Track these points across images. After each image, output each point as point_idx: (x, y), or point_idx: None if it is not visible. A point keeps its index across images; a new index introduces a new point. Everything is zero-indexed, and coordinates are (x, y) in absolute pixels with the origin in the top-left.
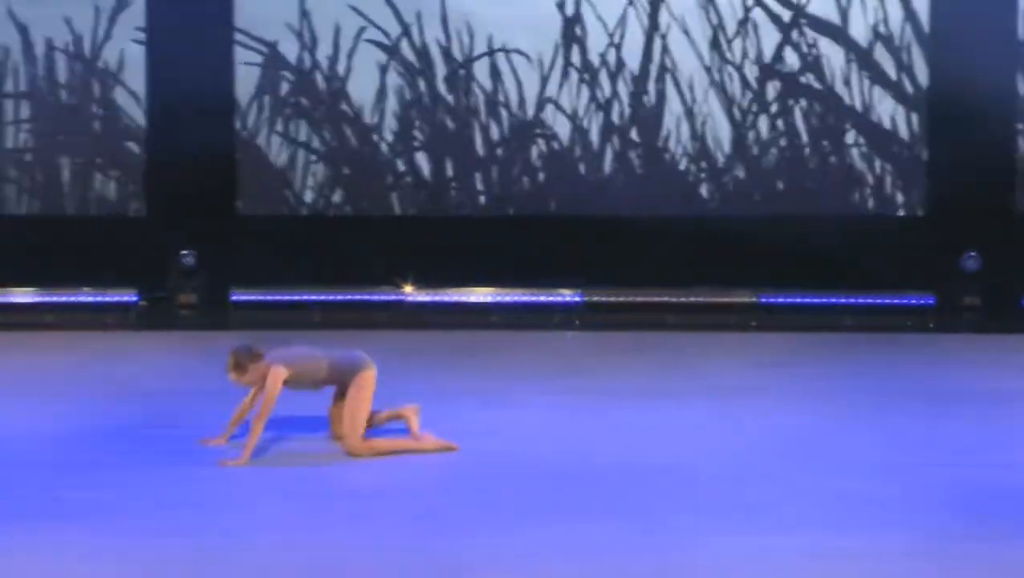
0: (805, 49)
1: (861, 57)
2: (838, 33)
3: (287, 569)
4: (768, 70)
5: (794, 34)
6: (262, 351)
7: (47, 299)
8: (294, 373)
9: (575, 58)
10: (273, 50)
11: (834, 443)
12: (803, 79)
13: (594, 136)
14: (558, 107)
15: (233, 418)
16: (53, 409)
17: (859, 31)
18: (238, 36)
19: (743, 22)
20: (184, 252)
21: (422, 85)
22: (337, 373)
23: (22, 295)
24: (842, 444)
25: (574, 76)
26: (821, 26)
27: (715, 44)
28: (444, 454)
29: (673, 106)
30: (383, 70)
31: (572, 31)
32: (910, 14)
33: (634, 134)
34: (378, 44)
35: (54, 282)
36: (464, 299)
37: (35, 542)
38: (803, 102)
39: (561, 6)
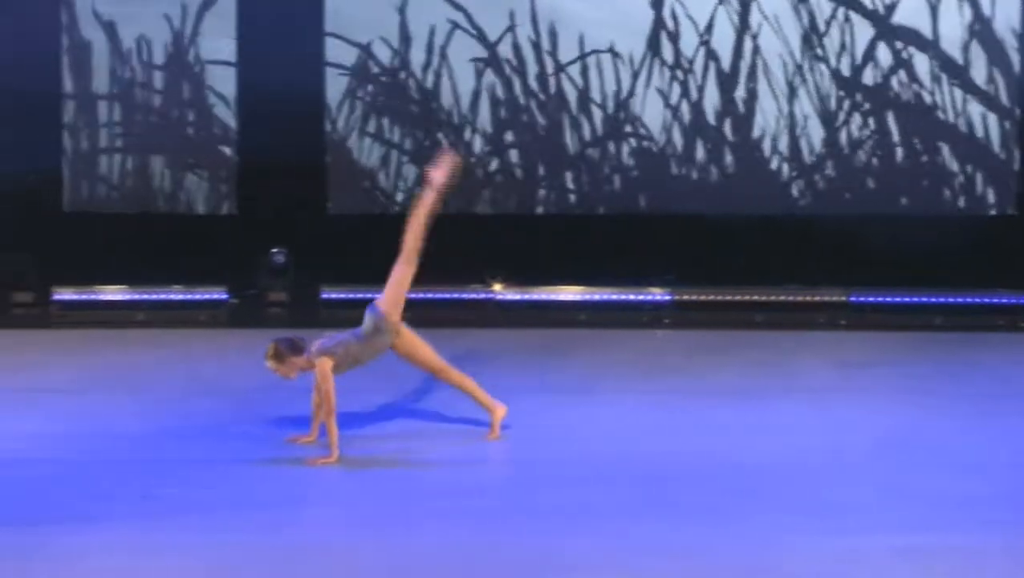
0: (897, 48)
1: (952, 56)
2: (929, 33)
3: (376, 568)
4: (860, 69)
5: (886, 33)
6: (304, 345)
7: (138, 297)
8: (337, 360)
9: (666, 56)
10: (364, 51)
11: (927, 442)
12: (895, 78)
13: (685, 134)
14: (649, 105)
15: (313, 415)
16: (144, 406)
17: (951, 30)
18: (329, 37)
19: (834, 21)
20: (275, 250)
21: (514, 84)
22: (369, 345)
23: (114, 293)
24: (936, 443)
25: (665, 74)
26: (911, 27)
27: (807, 43)
28: (533, 451)
29: (765, 104)
30: (475, 70)
31: (663, 29)
32: (1002, 14)
33: (726, 132)
34: (470, 44)
35: (145, 280)
36: (553, 297)
37: (124, 541)
38: (894, 101)
39: (653, 4)
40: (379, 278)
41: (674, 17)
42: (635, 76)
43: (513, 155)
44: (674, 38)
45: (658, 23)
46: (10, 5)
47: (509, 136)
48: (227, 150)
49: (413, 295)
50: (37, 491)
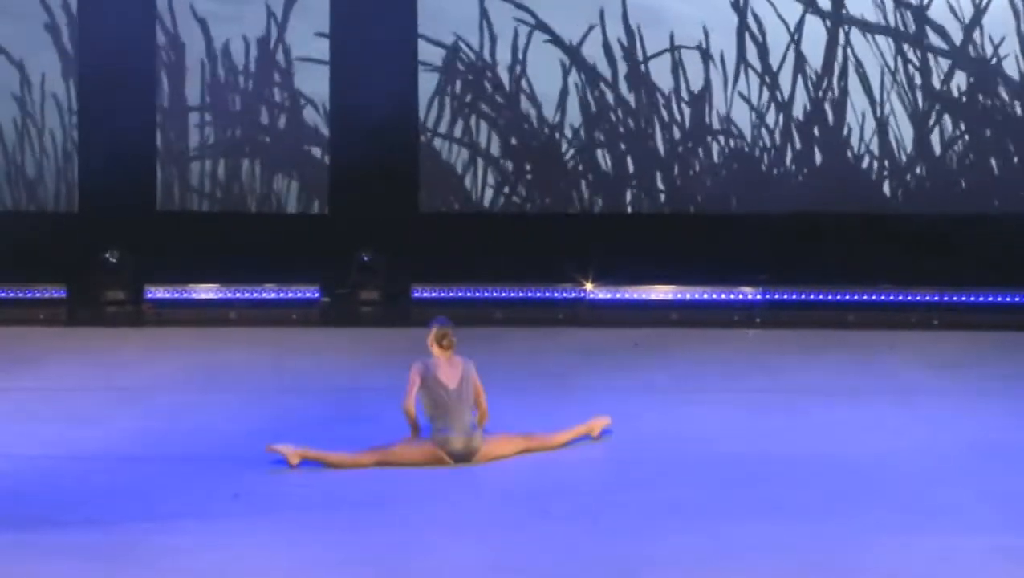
0: (988, 49)
1: None
2: (1016, 35)
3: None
4: (951, 69)
5: (975, 33)
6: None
7: (231, 295)
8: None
9: (754, 55)
10: (453, 50)
11: (1021, 442)
12: (986, 79)
13: (775, 133)
14: (738, 104)
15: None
16: (237, 404)
17: None
18: (420, 37)
19: (924, 20)
20: (366, 250)
21: (603, 83)
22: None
23: (207, 291)
24: None
25: (754, 74)
26: (1000, 26)
27: (897, 42)
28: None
29: (856, 103)
30: (564, 68)
31: (751, 28)
32: None
33: (816, 131)
34: (559, 43)
35: (238, 279)
36: (644, 297)
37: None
38: (986, 101)
39: (742, 3)
40: (468, 276)
41: (760, 16)
42: (724, 75)
43: (602, 155)
44: (763, 37)
45: (746, 21)
46: (104, 5)
47: (599, 135)
48: (318, 150)
49: (505, 294)
50: (131, 490)
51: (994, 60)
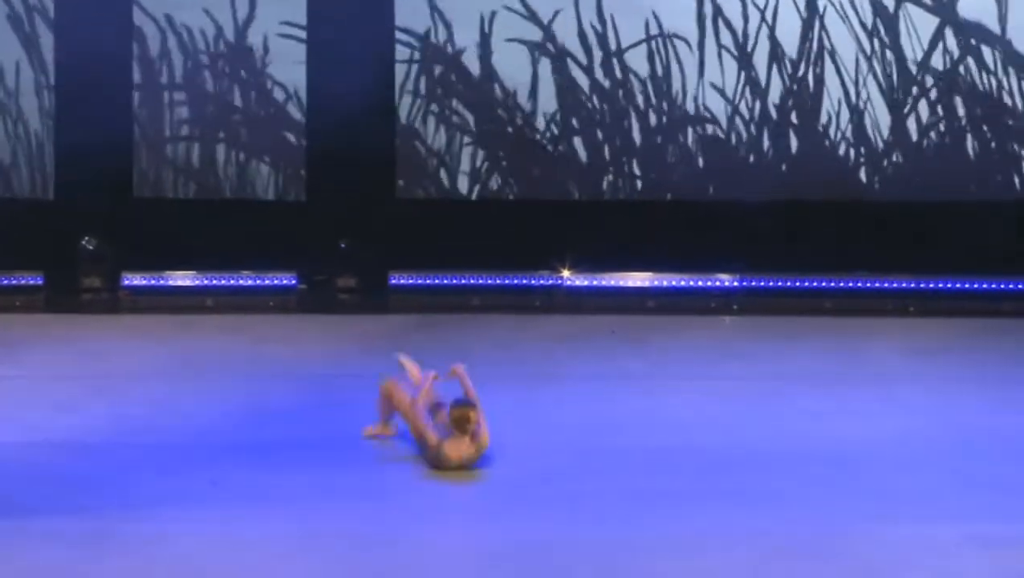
0: (965, 32)
1: (1020, 42)
2: (995, 19)
3: (448, 557)
4: (927, 54)
5: (953, 17)
6: None
7: (207, 283)
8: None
9: (730, 41)
10: (428, 34)
11: (996, 430)
12: (962, 63)
13: (752, 120)
14: (713, 91)
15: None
16: (214, 392)
17: (1018, 15)
18: (397, 20)
19: (901, 5)
20: (343, 237)
21: (578, 70)
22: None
23: (183, 278)
24: (1005, 432)
25: (730, 60)
26: (978, 12)
27: (873, 27)
28: (600, 442)
29: (832, 90)
30: (539, 56)
31: (727, 14)
32: None
33: (792, 118)
34: (534, 30)
35: (214, 266)
36: (621, 284)
37: (195, 528)
38: (962, 86)
39: None
40: (446, 263)
41: (736, 2)
42: (700, 62)
43: (578, 142)
44: (738, 22)
45: (722, 7)
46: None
47: (574, 122)
48: (294, 137)
49: (481, 281)
50: (110, 478)
51: (972, 44)
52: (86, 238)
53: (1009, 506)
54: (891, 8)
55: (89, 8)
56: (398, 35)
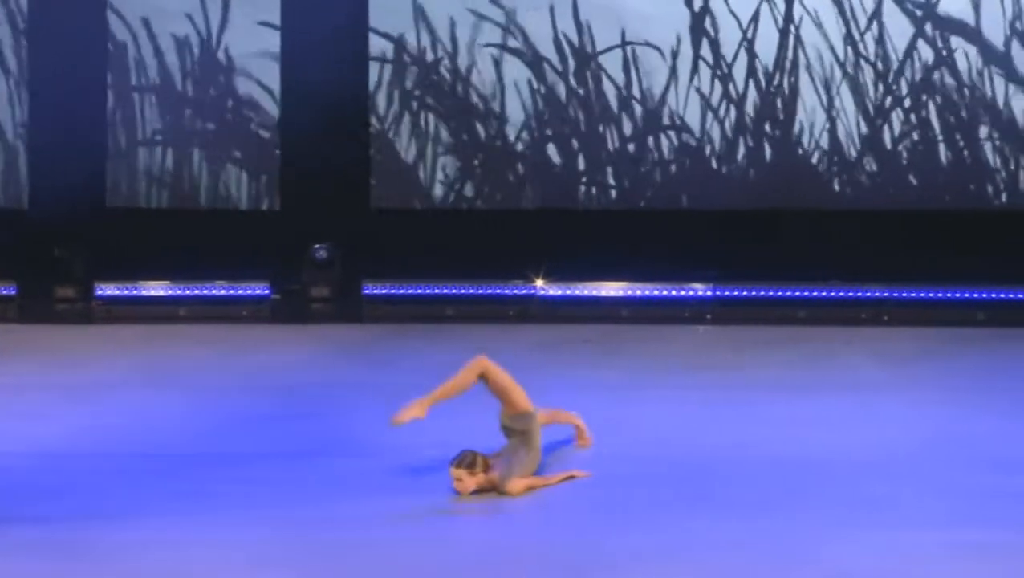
0: (939, 44)
1: (995, 51)
2: (971, 28)
3: (419, 566)
4: (902, 63)
5: (927, 27)
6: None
7: (181, 292)
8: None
9: (706, 51)
10: (402, 42)
11: (971, 438)
12: (936, 73)
13: (726, 129)
14: (689, 100)
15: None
16: (188, 401)
17: (993, 25)
18: (372, 27)
19: (876, 16)
20: (317, 246)
21: (553, 78)
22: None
23: (156, 288)
24: (979, 439)
25: (706, 69)
26: (954, 21)
27: (848, 38)
28: (573, 450)
29: (806, 98)
30: (513, 63)
31: (703, 24)
32: None
33: (767, 127)
34: (509, 36)
35: (187, 276)
36: (595, 293)
37: (170, 537)
38: (936, 96)
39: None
40: (420, 273)
41: (712, 11)
42: (674, 70)
43: (552, 150)
44: (714, 32)
45: (698, 16)
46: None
47: (548, 131)
48: (269, 145)
49: (455, 290)
50: (84, 487)
51: (945, 54)
52: (59, 248)
53: (983, 513)
54: (866, 18)
55: (63, 17)
56: (372, 43)
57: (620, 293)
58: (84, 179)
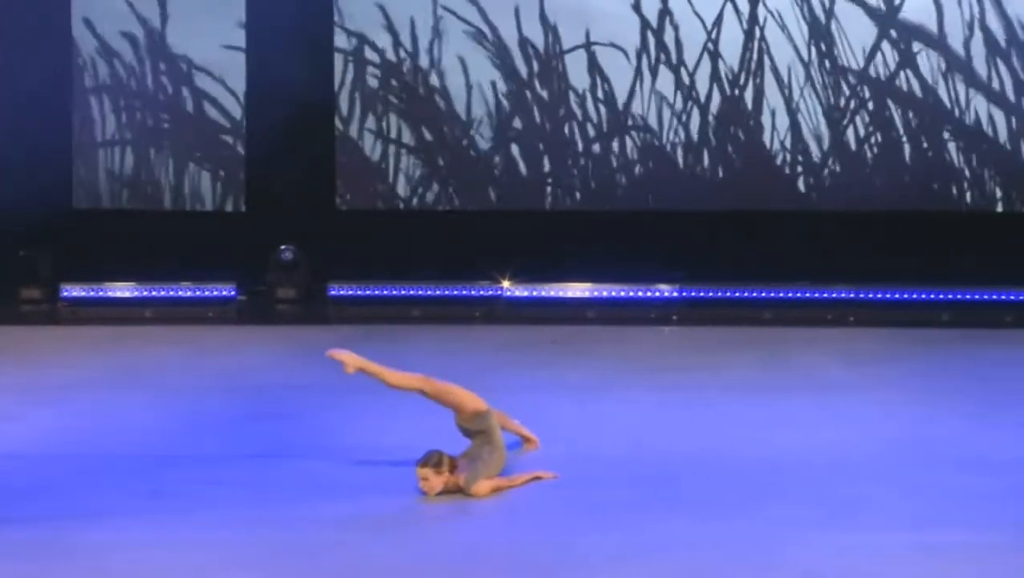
0: (902, 46)
1: (957, 52)
2: (932, 33)
3: (387, 567)
4: (865, 65)
5: (891, 30)
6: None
7: (147, 294)
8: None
9: (672, 51)
10: (367, 43)
11: (936, 439)
12: (900, 74)
13: (691, 130)
14: (654, 101)
15: None
16: (154, 403)
17: (955, 27)
18: (337, 28)
19: (839, 17)
20: (283, 247)
21: (518, 79)
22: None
23: (121, 289)
24: (945, 440)
25: (670, 71)
26: (915, 25)
27: (812, 39)
28: (542, 451)
29: (771, 100)
30: (478, 64)
31: (668, 25)
32: (1012, 9)
33: (731, 129)
34: (475, 37)
35: (153, 277)
36: (561, 294)
37: (138, 538)
38: (900, 97)
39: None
40: (386, 274)
41: (676, 12)
42: (639, 72)
43: (516, 151)
44: (679, 33)
45: (663, 17)
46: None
47: (513, 132)
48: (234, 144)
49: (421, 291)
50: (51, 488)
51: (910, 55)
52: (24, 249)
53: (949, 514)
54: (830, 19)
55: (24, 19)
56: (338, 44)
57: (586, 294)
58: (49, 181)
